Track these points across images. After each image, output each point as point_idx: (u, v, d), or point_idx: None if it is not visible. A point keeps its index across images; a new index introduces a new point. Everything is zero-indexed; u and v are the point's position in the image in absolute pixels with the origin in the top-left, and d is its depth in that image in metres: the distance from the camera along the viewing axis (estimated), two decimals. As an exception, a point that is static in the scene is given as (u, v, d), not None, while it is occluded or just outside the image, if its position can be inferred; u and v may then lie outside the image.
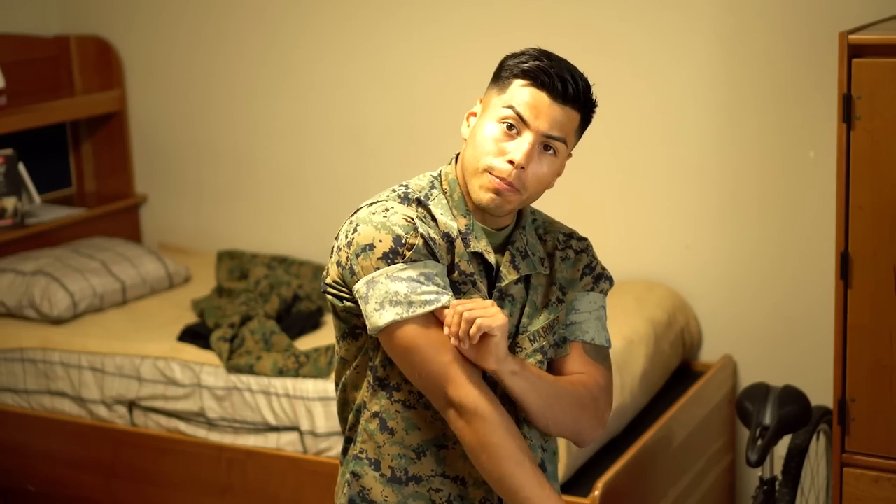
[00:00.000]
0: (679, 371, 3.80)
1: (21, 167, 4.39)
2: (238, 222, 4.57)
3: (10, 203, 4.26)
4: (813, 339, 3.62)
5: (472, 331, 1.82)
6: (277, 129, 4.43)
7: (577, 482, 3.11)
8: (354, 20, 4.19)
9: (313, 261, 4.27)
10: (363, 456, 2.00)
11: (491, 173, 1.91)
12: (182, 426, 3.55)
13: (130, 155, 4.72)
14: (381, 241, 1.88)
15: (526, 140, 1.90)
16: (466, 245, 1.95)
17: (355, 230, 1.91)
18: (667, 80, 3.76)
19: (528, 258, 2.00)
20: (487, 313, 1.83)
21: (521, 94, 1.91)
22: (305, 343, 3.62)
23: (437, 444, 1.97)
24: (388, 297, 1.86)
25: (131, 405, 3.63)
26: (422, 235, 1.89)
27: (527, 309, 1.99)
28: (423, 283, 1.87)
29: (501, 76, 1.95)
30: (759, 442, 2.97)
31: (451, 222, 1.95)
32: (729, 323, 3.83)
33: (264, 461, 3.42)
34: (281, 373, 3.42)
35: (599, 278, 2.08)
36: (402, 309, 1.86)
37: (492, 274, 1.99)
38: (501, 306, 1.96)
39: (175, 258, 4.41)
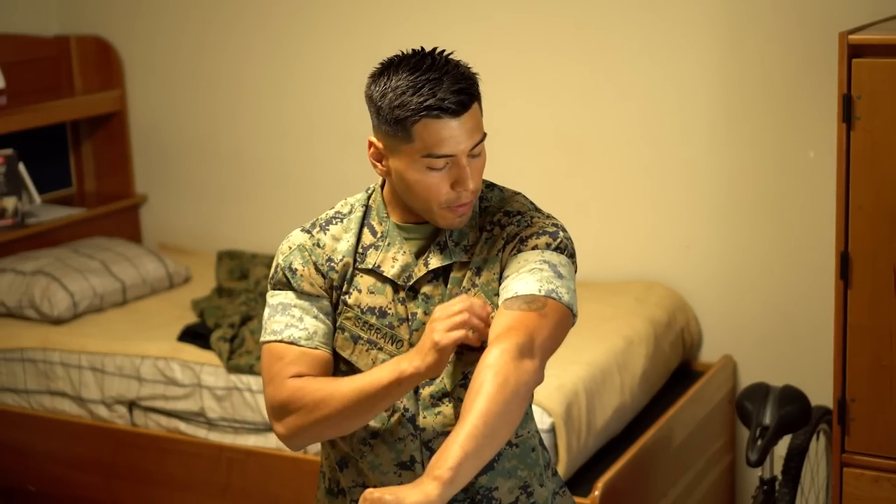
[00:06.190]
0: (679, 371, 3.80)
1: (21, 167, 4.38)
2: (238, 222, 4.56)
3: (10, 203, 4.26)
4: (813, 339, 3.62)
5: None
6: (278, 128, 4.43)
7: (577, 482, 3.11)
8: (356, 20, 4.19)
9: (313, 261, 4.27)
10: (322, 469, 2.09)
11: (450, 207, 1.88)
12: (182, 426, 3.55)
13: (130, 155, 4.72)
14: (273, 266, 2.01)
15: (464, 167, 1.85)
16: (360, 262, 1.95)
17: None
18: (666, 80, 3.76)
19: (446, 250, 1.94)
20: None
21: (430, 134, 1.82)
22: (305, 343, 3.61)
23: (349, 458, 2.00)
24: (264, 318, 1.99)
25: (131, 405, 3.63)
26: (280, 266, 1.96)
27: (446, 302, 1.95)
28: (277, 313, 1.95)
29: (394, 120, 1.83)
30: (759, 442, 2.97)
31: (346, 245, 1.95)
32: (729, 323, 3.83)
33: (264, 461, 3.41)
34: (281, 373, 3.41)
35: (526, 238, 1.91)
36: (262, 333, 1.98)
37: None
38: (415, 306, 1.93)
39: (175, 258, 4.41)
